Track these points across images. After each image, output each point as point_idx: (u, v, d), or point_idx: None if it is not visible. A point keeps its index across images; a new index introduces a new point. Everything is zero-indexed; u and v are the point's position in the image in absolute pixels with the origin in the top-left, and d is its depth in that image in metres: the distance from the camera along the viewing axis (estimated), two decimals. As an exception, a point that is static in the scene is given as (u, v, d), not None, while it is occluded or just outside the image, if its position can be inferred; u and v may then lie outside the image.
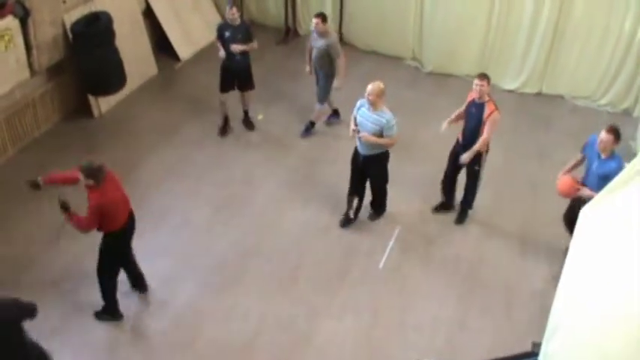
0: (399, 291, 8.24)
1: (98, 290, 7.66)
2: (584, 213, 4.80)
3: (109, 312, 7.78)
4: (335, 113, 11.32)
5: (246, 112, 11.13)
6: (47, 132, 10.70)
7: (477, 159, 8.74)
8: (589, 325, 4.41)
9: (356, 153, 8.72)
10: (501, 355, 7.06)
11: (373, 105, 8.19)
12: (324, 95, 10.73)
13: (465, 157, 8.66)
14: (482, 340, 7.63)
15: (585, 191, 7.63)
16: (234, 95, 10.77)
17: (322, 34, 10.20)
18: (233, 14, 10.12)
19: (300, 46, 13.46)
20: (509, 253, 8.78)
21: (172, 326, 7.70)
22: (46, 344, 7.33)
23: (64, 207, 7.10)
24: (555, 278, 5.34)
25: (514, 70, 12.23)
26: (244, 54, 10.41)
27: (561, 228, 8.47)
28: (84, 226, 7.14)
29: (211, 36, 13.46)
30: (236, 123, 11.09)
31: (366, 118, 8.30)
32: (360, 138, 8.39)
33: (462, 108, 8.76)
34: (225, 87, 10.68)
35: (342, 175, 9.85)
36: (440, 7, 12.20)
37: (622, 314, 4.08)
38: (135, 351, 7.43)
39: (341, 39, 13.57)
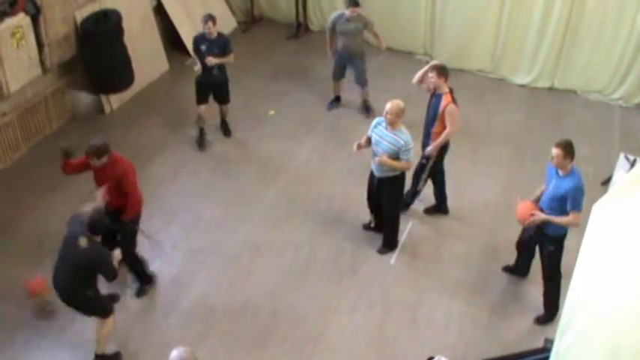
0: (411, 287, 8.22)
1: (134, 278, 8.18)
2: (597, 210, 4.77)
3: (147, 282, 8.20)
4: (337, 99, 11.49)
5: (223, 119, 10.92)
6: (59, 129, 10.72)
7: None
8: (601, 322, 4.40)
9: (372, 174, 8.43)
10: (514, 350, 7.07)
11: (391, 124, 7.78)
12: (363, 77, 11.07)
13: (430, 150, 8.60)
14: (494, 336, 7.61)
15: (539, 216, 7.20)
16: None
17: (353, 18, 10.39)
18: (209, 28, 9.79)
19: (311, 41, 13.47)
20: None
21: (183, 322, 7.72)
22: (55, 342, 7.42)
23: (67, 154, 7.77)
24: (569, 273, 5.31)
25: (526, 64, 12.17)
26: (221, 67, 10.16)
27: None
28: (136, 195, 7.60)
29: (222, 31, 13.52)
30: (240, 121, 11.10)
31: (382, 136, 7.91)
32: (374, 158, 8.05)
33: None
34: (200, 99, 10.41)
35: (351, 172, 9.86)
36: (451, 1, 12.15)
37: (635, 311, 4.06)
38: (145, 346, 7.44)
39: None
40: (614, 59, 11.54)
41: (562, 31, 11.63)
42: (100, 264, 6.71)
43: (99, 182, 7.58)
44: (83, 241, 6.59)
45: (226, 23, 13.82)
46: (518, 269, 8.20)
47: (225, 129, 10.95)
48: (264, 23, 14.32)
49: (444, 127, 8.42)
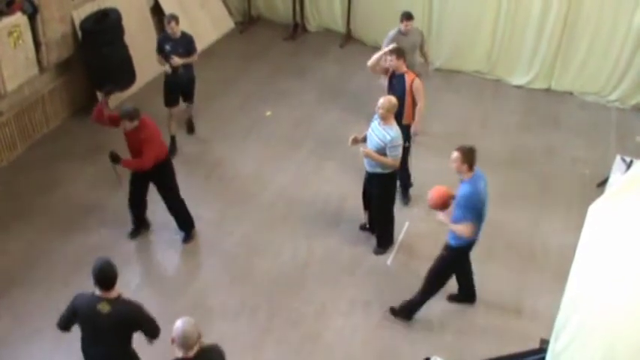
0: (407, 287, 8.21)
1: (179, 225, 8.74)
2: (593, 210, 4.79)
3: (192, 225, 8.85)
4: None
5: (190, 119, 10.95)
6: (56, 128, 10.72)
7: (408, 135, 8.78)
8: (597, 322, 4.41)
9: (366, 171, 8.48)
10: (510, 351, 7.08)
11: (383, 119, 7.87)
12: None
13: (416, 128, 8.94)
14: (491, 337, 7.62)
15: (439, 216, 7.11)
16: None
17: (408, 32, 10.00)
18: (172, 28, 9.76)
19: (308, 42, 13.48)
20: (517, 250, 8.77)
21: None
22: (56, 341, 7.40)
23: (115, 158, 8.06)
24: (564, 275, 5.32)
25: (523, 66, 12.20)
26: (187, 67, 10.12)
27: (570, 223, 8.46)
28: (149, 159, 8.03)
29: (219, 32, 13.56)
30: (241, 122, 11.10)
31: (373, 130, 8.01)
32: (363, 153, 8.08)
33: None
34: (169, 101, 10.35)
35: (348, 173, 9.87)
36: (448, 3, 12.18)
37: (631, 311, 4.08)
38: (145, 348, 7.43)
39: (349, 35, 13.60)
40: (611, 61, 11.57)
41: (559, 32, 11.66)
42: (136, 320, 5.86)
43: (129, 144, 8.26)
44: (104, 307, 5.73)
45: (223, 24, 13.85)
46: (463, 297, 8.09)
47: (190, 126, 10.98)
48: (262, 24, 14.34)
49: (414, 104, 8.78)
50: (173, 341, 5.11)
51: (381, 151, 7.91)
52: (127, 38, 10.86)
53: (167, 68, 10.00)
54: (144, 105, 11.36)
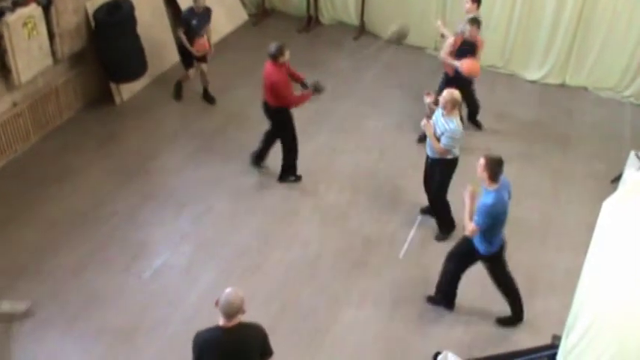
0: (419, 281, 8.22)
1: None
2: (606, 208, 4.76)
3: (291, 173, 9.61)
4: None
5: (205, 89, 11.41)
6: (70, 119, 10.74)
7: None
8: (609, 319, 4.39)
9: (427, 156, 8.71)
10: (521, 347, 7.07)
11: (445, 111, 8.05)
12: None
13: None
14: (502, 332, 7.61)
15: (468, 225, 7.01)
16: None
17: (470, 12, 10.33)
18: (200, 2, 10.40)
19: (322, 34, 13.46)
20: (530, 244, 8.74)
21: (191, 314, 7.73)
22: (66, 332, 7.45)
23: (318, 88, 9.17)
24: (577, 270, 5.30)
25: (537, 60, 12.13)
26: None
27: (583, 218, 8.42)
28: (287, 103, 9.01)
29: (232, 24, 13.54)
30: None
31: (437, 120, 8.22)
32: (424, 127, 8.37)
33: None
34: (189, 63, 10.98)
35: (363, 165, 9.86)
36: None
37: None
38: (153, 339, 7.47)
39: (363, 28, 13.56)
40: (626, 56, 11.50)
41: (574, 27, 11.59)
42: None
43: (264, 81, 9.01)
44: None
45: (237, 16, 13.83)
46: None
47: (208, 97, 11.43)
48: (275, 16, 14.30)
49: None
50: (217, 304, 5.36)
51: (439, 138, 8.17)
52: (141, 29, 10.87)
53: (196, 52, 10.63)
54: (156, 97, 11.44)
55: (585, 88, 12.03)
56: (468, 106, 10.58)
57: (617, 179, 9.29)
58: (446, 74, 10.18)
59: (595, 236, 4.85)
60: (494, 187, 6.81)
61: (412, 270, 8.39)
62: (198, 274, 8.26)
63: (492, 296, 7.89)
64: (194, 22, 10.44)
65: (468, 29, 9.72)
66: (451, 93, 8.00)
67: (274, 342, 5.73)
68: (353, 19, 13.78)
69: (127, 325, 7.58)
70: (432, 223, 9.00)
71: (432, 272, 8.29)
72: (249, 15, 14.21)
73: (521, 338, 7.41)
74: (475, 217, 6.88)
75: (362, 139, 10.46)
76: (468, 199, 7.00)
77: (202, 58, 10.97)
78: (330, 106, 11.19)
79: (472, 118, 10.83)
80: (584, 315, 4.74)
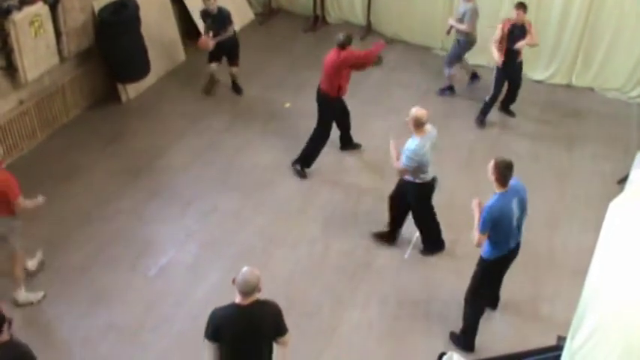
0: (424, 282, 8.22)
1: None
2: (613, 208, 4.76)
3: (304, 164, 9.79)
4: (474, 76, 12.10)
5: (234, 81, 11.64)
6: (76, 118, 10.77)
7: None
8: (615, 321, 4.38)
9: None
10: (526, 347, 7.06)
11: (411, 128, 7.85)
12: (450, 59, 11.59)
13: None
14: (507, 332, 7.61)
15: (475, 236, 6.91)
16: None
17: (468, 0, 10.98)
18: (210, 4, 10.68)
19: (329, 34, 13.43)
20: (536, 245, 8.72)
21: (198, 312, 7.73)
22: (73, 329, 7.46)
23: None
24: (583, 271, 5.29)
25: (544, 60, 12.11)
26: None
27: (590, 218, 8.40)
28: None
29: (239, 23, 13.51)
30: (263, 113, 11.11)
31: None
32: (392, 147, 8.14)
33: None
34: (213, 57, 11.27)
35: (369, 166, 9.85)
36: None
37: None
38: (158, 336, 7.48)
39: (370, 28, 13.55)
40: (633, 57, 11.48)
41: (581, 28, 11.58)
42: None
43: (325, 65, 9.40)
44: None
45: (243, 15, 13.83)
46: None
47: (237, 88, 11.65)
48: (282, 15, 14.32)
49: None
50: (234, 282, 5.49)
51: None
52: (147, 27, 10.89)
53: (211, 45, 10.94)
54: (162, 96, 11.46)
55: (592, 89, 12.01)
56: (508, 93, 10.98)
57: (623, 180, 9.26)
58: (497, 68, 10.55)
59: (601, 237, 4.84)
60: (502, 190, 6.74)
61: (417, 271, 8.38)
62: (203, 273, 8.27)
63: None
64: (208, 21, 10.76)
65: (514, 14, 10.24)
66: (414, 111, 7.76)
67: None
68: (360, 19, 13.78)
69: (132, 322, 7.60)
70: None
71: (437, 273, 8.30)
72: (256, 14, 14.22)
73: (526, 339, 7.38)
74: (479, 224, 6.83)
75: (368, 138, 10.44)
76: (475, 211, 6.93)
77: (234, 62, 11.31)
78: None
79: (506, 108, 11.23)
80: (590, 316, 4.73)
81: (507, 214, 6.76)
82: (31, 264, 8.08)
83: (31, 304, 7.71)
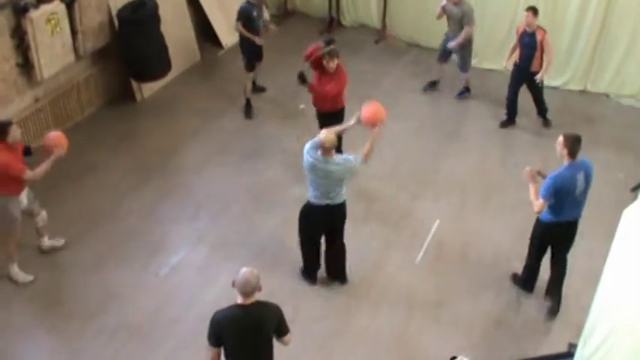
0: (435, 287, 8.19)
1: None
2: (626, 216, 4.74)
3: None
4: (435, 83, 11.96)
5: (254, 82, 11.53)
6: (90, 116, 10.82)
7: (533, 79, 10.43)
8: (627, 328, 4.37)
9: None
10: (537, 354, 7.04)
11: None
12: (463, 64, 11.49)
13: (541, 75, 10.35)
14: (518, 338, 7.57)
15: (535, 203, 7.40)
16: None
17: (457, 3, 10.83)
18: None
19: (344, 36, 13.44)
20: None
21: (208, 312, 7.70)
22: (83, 327, 7.48)
23: (303, 79, 9.25)
24: (595, 278, 5.27)
25: (558, 66, 12.02)
26: None
27: (602, 226, 8.36)
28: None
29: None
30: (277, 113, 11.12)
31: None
32: None
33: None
34: (253, 65, 11.10)
35: (379, 170, 9.83)
36: (482, 1, 12.03)
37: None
38: (169, 336, 7.49)
39: (385, 31, 13.53)
40: (648, 64, 11.43)
41: (596, 34, 11.53)
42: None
43: (322, 81, 9.39)
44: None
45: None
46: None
47: (258, 88, 11.63)
48: (297, 17, 14.33)
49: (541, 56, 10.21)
50: (234, 284, 5.54)
51: None
52: (163, 27, 10.91)
53: (260, 41, 10.77)
54: (176, 95, 11.49)
55: (607, 95, 11.95)
56: (536, 102, 10.98)
57: (636, 188, 9.23)
58: (512, 73, 10.68)
59: (614, 244, 4.82)
60: (569, 162, 7.21)
61: (428, 275, 8.36)
62: (214, 273, 8.28)
63: (507, 304, 7.88)
64: (254, 13, 10.57)
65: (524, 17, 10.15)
66: (320, 135, 7.74)
67: (286, 347, 5.80)
68: (375, 22, 13.77)
69: (143, 321, 7.63)
70: (448, 229, 8.97)
71: (447, 278, 8.27)
72: (271, 15, 14.20)
73: (537, 346, 7.36)
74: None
75: (380, 141, 10.42)
76: (529, 180, 7.48)
77: (259, 56, 11.13)
78: (348, 108, 11.17)
79: (543, 114, 11.15)
80: (602, 323, 4.72)
81: (571, 184, 7.21)
82: (49, 243, 8.37)
83: (16, 283, 7.95)
